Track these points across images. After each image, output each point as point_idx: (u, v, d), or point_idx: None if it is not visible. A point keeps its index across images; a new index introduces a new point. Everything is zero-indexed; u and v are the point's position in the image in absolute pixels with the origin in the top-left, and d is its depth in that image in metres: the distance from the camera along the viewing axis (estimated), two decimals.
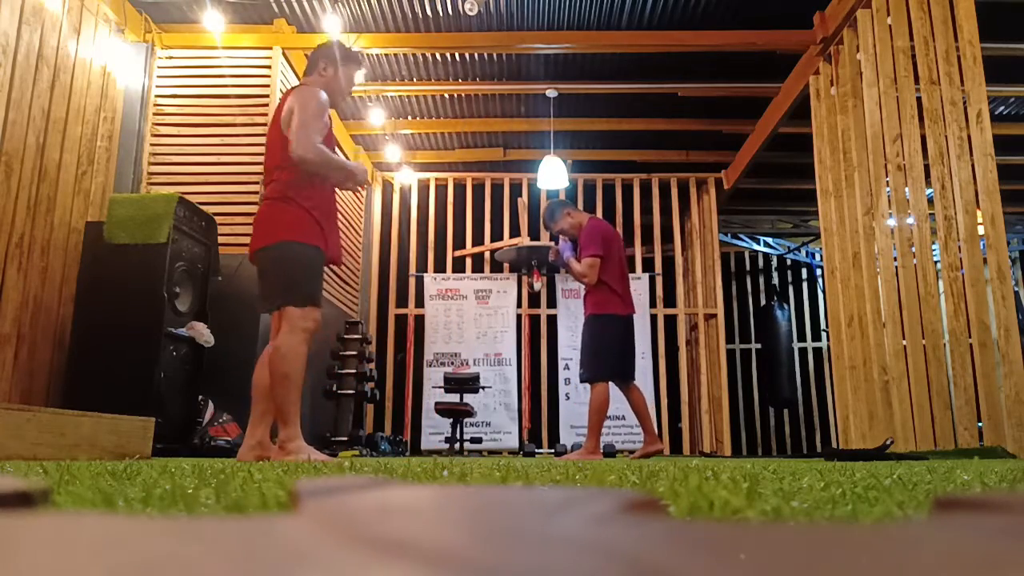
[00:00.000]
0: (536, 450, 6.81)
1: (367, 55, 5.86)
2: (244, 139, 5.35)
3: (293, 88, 3.13)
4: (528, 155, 7.63)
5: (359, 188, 3.14)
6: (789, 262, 10.27)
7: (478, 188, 7.91)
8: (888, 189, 4.46)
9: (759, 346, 9.79)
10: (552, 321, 7.58)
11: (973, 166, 3.80)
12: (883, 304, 4.47)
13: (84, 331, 4.21)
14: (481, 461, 2.91)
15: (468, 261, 7.76)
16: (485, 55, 5.99)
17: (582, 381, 4.70)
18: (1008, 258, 3.74)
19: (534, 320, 7.70)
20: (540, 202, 7.77)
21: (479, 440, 6.94)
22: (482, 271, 7.75)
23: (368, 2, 5.30)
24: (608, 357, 4.57)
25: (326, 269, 3.45)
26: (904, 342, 4.24)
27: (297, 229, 2.94)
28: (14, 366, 4.08)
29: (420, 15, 5.44)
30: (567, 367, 7.31)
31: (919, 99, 4.26)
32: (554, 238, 5.33)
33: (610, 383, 4.58)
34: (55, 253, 4.45)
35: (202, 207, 4.72)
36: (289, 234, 2.93)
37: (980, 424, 3.73)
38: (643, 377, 5.35)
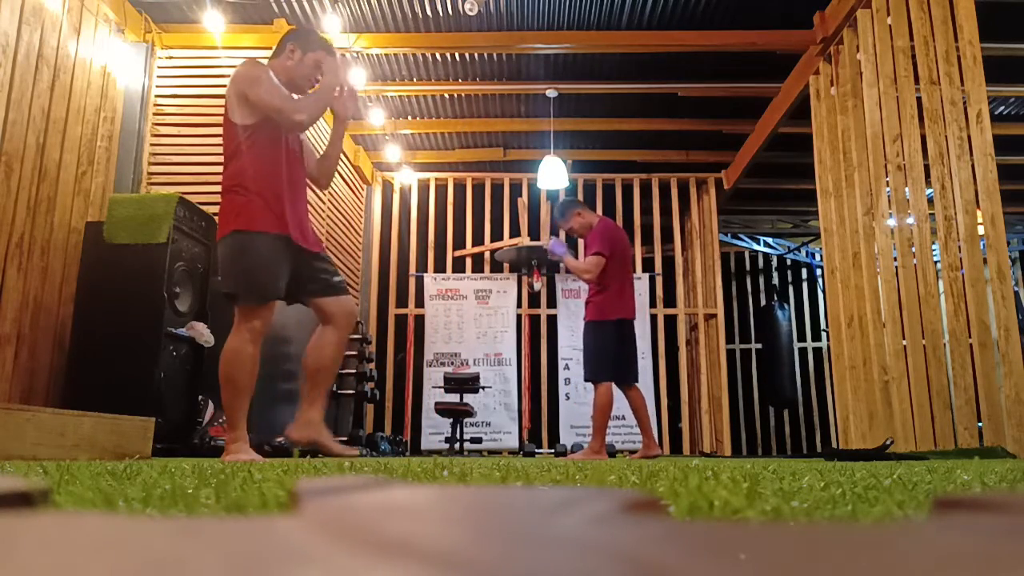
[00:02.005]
0: (536, 450, 6.81)
1: (367, 55, 5.86)
2: None
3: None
4: (528, 155, 7.63)
5: (343, 87, 2.97)
6: (789, 262, 10.27)
7: (478, 188, 7.92)
8: (888, 189, 4.46)
9: (760, 346, 9.79)
10: (552, 321, 7.58)
11: (973, 166, 3.80)
12: (883, 304, 4.47)
13: (84, 331, 4.21)
14: (481, 461, 2.91)
15: (468, 261, 7.76)
16: (485, 55, 5.99)
17: (585, 380, 4.75)
18: (1008, 258, 3.74)
19: (534, 320, 7.70)
20: (540, 202, 7.78)
21: (479, 440, 6.94)
22: (482, 271, 7.75)
23: (368, 2, 5.30)
24: (608, 360, 4.59)
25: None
26: (904, 342, 4.24)
27: (247, 216, 2.78)
28: (14, 366, 4.08)
29: (420, 15, 5.44)
30: (567, 367, 7.31)
31: (919, 99, 4.26)
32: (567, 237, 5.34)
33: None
34: (55, 253, 4.45)
35: (202, 207, 4.72)
36: (239, 222, 2.79)
37: (980, 424, 3.73)
38: (643, 377, 5.35)
